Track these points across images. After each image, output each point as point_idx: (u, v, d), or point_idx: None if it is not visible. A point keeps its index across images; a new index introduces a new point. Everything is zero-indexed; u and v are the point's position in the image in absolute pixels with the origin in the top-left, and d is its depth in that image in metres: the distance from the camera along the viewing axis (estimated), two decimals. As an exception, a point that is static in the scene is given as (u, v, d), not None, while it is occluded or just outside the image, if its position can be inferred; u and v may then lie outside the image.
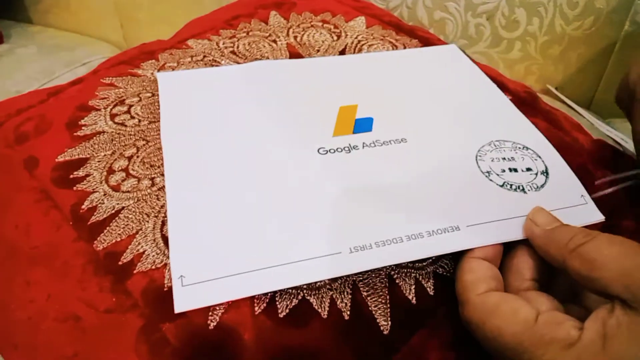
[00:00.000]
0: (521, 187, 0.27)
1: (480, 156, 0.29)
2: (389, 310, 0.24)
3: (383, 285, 0.24)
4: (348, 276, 0.24)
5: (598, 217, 0.26)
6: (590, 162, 0.32)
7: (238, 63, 0.38)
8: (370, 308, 0.24)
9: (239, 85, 0.34)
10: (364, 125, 0.31)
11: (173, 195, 0.25)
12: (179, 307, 0.21)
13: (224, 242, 0.23)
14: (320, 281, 0.23)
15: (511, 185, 0.27)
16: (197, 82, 0.34)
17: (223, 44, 0.40)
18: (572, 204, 0.27)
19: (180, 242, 0.23)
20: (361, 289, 0.24)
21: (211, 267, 0.22)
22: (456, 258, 0.25)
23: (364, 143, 0.29)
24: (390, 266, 0.25)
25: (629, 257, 0.19)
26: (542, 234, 0.23)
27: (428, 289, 0.25)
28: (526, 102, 0.37)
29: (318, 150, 0.28)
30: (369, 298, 0.24)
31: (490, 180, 0.28)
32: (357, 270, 0.23)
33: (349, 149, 0.29)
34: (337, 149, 0.29)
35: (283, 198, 0.26)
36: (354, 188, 0.27)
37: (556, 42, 0.51)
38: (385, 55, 0.40)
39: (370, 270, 0.24)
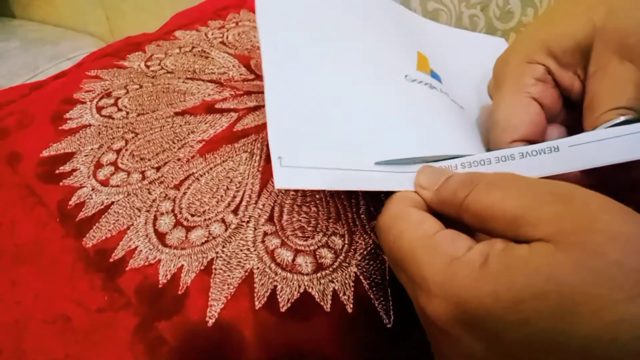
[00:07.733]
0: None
1: None
2: (391, 303, 0.23)
3: (384, 277, 0.24)
4: (349, 267, 0.23)
5: None
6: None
7: (228, 54, 0.36)
8: (372, 301, 0.23)
9: (335, 9, 0.35)
10: (435, 77, 0.33)
11: (271, 85, 0.26)
12: (279, 184, 0.22)
13: (318, 137, 0.24)
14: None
15: None
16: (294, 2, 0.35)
17: (212, 34, 0.39)
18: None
19: (278, 126, 0.24)
20: (363, 281, 0.23)
21: (305, 156, 0.23)
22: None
23: (441, 89, 0.31)
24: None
25: (510, 200, 0.18)
26: (432, 197, 0.22)
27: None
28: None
29: (405, 77, 0.30)
30: (371, 291, 0.23)
31: None
32: None
33: (430, 87, 0.31)
34: (421, 81, 0.30)
35: (374, 110, 0.27)
36: (437, 115, 0.28)
37: (549, 31, 0.51)
38: (455, 31, 0.42)
39: (370, 262, 0.24)
